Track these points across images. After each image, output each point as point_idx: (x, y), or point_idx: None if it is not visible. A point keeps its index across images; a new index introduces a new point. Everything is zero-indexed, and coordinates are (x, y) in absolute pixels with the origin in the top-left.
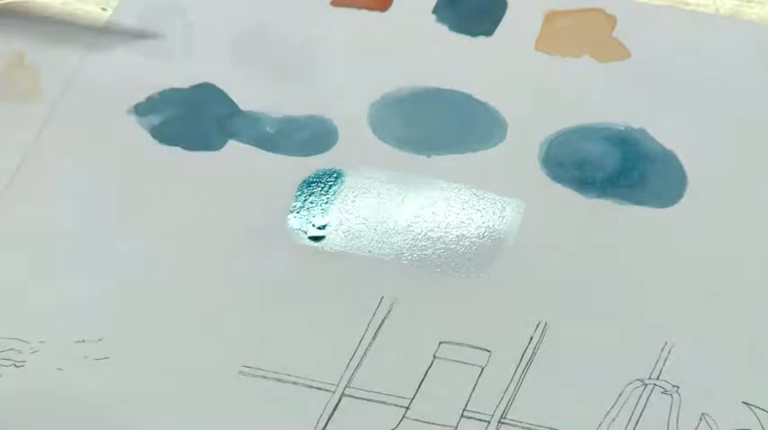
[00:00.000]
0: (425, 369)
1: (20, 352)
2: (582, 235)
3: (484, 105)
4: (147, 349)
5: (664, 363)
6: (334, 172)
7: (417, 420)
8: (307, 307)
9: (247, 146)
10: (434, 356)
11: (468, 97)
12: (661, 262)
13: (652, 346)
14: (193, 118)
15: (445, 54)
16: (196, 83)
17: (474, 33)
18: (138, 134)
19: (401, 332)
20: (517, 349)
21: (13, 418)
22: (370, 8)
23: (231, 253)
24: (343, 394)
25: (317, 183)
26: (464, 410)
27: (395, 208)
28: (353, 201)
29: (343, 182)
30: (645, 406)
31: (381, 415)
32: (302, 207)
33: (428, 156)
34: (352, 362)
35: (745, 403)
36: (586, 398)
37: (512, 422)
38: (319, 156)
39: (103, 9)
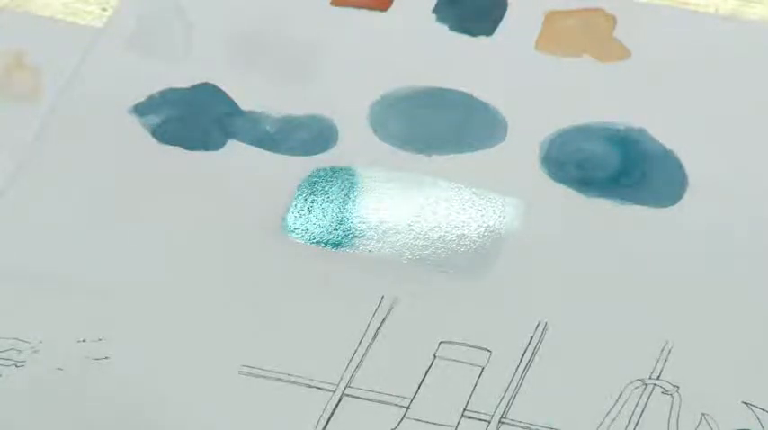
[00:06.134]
0: (426, 368)
1: (20, 352)
2: (582, 235)
3: (484, 105)
4: (148, 349)
5: (664, 363)
6: (335, 171)
7: (418, 420)
8: (307, 307)
9: (247, 145)
10: (435, 356)
11: (469, 97)
12: (661, 262)
13: (652, 346)
14: (193, 118)
15: (445, 54)
16: (196, 82)
17: (474, 33)
18: (138, 134)
19: (401, 332)
20: (517, 349)
21: (14, 418)
22: (371, 8)
23: (231, 252)
24: (343, 394)
25: (318, 182)
26: (464, 410)
27: (395, 207)
28: (354, 201)
29: (343, 181)
30: (645, 406)
31: (382, 414)
32: (302, 207)
33: (428, 156)
34: (352, 362)
35: (745, 403)
36: (587, 398)
37: (512, 422)
38: (319, 155)
39: (103, 9)
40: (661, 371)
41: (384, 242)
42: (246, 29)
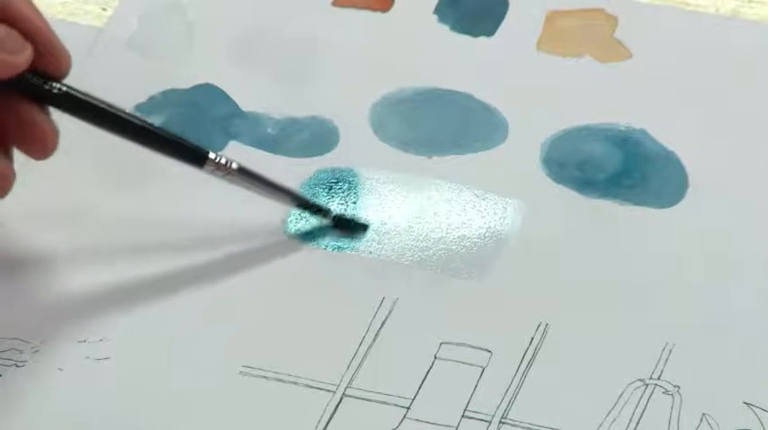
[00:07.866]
0: (426, 369)
1: (21, 352)
2: (583, 235)
3: (485, 106)
4: (148, 349)
5: (665, 363)
6: (336, 173)
7: (418, 420)
8: (307, 307)
9: (248, 147)
10: (435, 357)
11: (470, 97)
12: (661, 262)
13: (653, 346)
14: (194, 118)
15: (446, 54)
16: (197, 83)
17: (475, 33)
18: None
19: (402, 332)
20: (518, 349)
21: (14, 418)
22: (372, 8)
23: (232, 253)
24: (344, 394)
25: (319, 184)
26: (465, 410)
27: (396, 208)
28: (355, 202)
29: (344, 183)
30: (646, 406)
31: (382, 415)
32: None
33: (429, 157)
34: (353, 363)
35: (746, 403)
36: (587, 398)
37: (513, 422)
38: (320, 157)
39: (103, 9)
40: (662, 371)
41: (385, 243)
42: (247, 29)
